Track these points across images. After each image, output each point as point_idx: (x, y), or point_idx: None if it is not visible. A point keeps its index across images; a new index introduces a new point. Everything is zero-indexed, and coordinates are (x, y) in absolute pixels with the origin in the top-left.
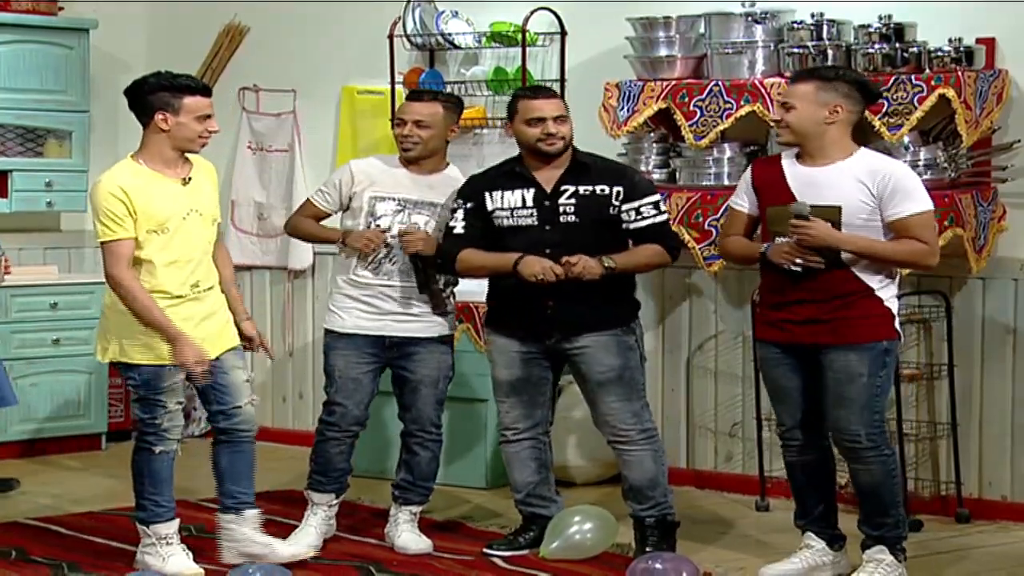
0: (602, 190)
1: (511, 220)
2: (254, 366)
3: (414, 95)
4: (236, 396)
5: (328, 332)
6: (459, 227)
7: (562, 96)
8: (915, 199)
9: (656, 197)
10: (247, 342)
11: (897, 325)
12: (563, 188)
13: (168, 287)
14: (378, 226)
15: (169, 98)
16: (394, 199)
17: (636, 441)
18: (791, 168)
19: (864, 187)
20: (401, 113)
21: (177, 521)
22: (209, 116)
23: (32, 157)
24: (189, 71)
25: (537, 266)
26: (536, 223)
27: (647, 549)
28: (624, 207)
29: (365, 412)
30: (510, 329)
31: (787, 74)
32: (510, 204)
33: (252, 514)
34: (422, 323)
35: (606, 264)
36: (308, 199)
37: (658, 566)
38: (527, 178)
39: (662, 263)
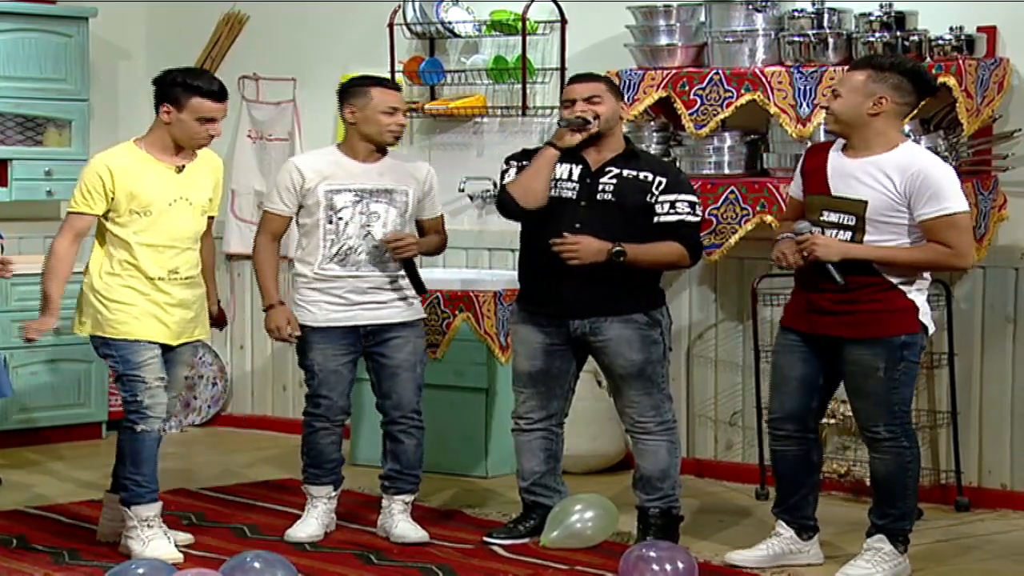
0: (645, 176)
1: (554, 191)
2: (254, 356)
3: (393, 83)
4: (170, 389)
5: (299, 327)
6: (509, 178)
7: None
8: (944, 200)
9: (695, 198)
10: (214, 322)
11: (923, 317)
12: (608, 169)
13: (145, 268)
14: (340, 219)
15: (179, 94)
16: (350, 190)
17: (653, 432)
18: (834, 158)
19: (892, 183)
20: (394, 103)
21: (159, 504)
22: (213, 120)
23: (32, 146)
24: (188, 59)
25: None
26: (575, 197)
27: (648, 539)
28: (661, 198)
29: (348, 401)
30: (535, 311)
31: (788, 62)
32: (557, 175)
33: None
34: (392, 309)
35: (614, 251)
36: (268, 213)
37: (652, 554)
38: (578, 155)
39: (679, 263)
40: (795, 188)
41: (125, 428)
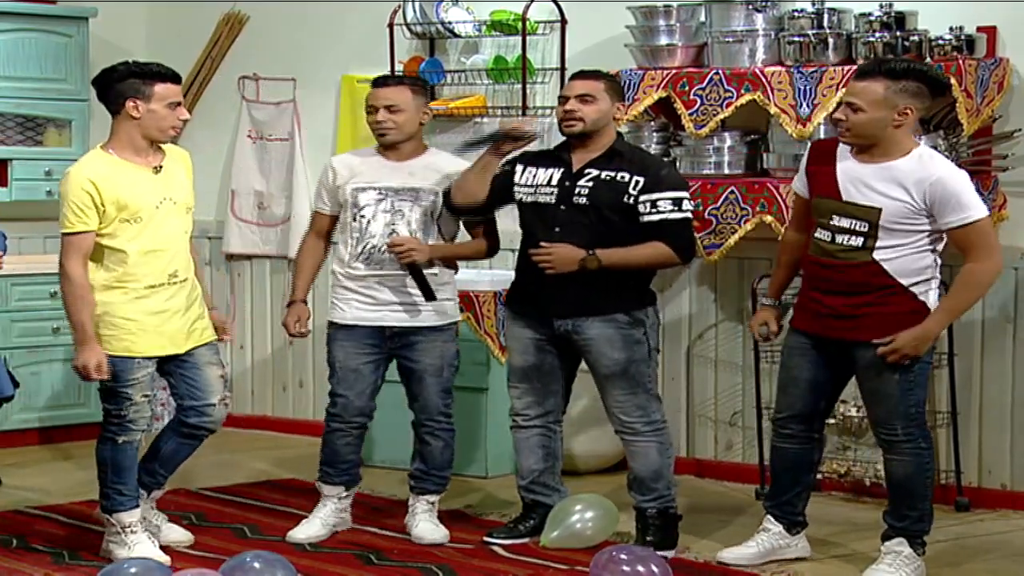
0: (623, 177)
1: (533, 196)
2: (254, 356)
3: (379, 81)
4: (209, 393)
5: (330, 324)
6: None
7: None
8: (968, 208)
9: (680, 194)
10: (216, 332)
11: None
12: (587, 171)
13: (144, 277)
14: (363, 216)
15: (140, 85)
16: (375, 188)
17: (642, 432)
18: (843, 161)
19: (908, 194)
20: (371, 100)
21: (140, 510)
22: (179, 104)
23: (32, 146)
24: (188, 60)
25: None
26: (553, 201)
27: (648, 539)
28: (641, 198)
29: (368, 403)
30: (523, 309)
31: (788, 62)
32: (537, 181)
33: (155, 495)
34: (422, 312)
35: (586, 259)
36: (315, 211)
37: (623, 556)
38: (563, 160)
39: (666, 262)
40: (799, 185)
41: (105, 439)
